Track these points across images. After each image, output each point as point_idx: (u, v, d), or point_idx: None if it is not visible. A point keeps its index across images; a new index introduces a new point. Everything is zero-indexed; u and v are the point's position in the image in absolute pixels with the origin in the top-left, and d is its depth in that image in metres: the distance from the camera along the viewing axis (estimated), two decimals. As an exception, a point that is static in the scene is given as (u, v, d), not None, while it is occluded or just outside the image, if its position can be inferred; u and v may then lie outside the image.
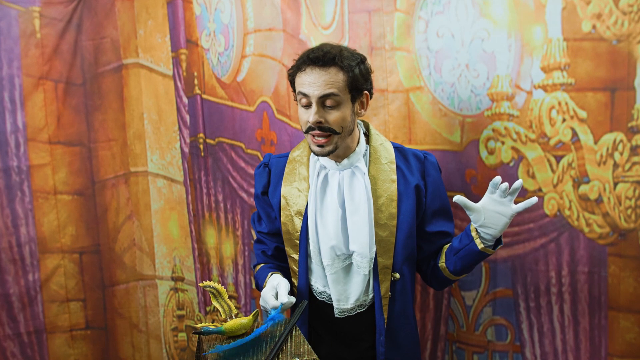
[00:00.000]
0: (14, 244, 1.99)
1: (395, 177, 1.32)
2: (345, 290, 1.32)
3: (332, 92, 1.25)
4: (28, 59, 1.93)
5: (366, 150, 1.35)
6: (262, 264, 1.45)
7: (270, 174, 1.40)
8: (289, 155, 1.40)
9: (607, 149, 1.26)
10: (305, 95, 1.26)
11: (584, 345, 1.35)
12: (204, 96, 1.95)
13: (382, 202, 1.30)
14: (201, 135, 1.98)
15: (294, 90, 1.32)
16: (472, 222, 1.26)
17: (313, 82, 1.25)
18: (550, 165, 1.34)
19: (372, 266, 1.30)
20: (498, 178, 1.21)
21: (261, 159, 1.82)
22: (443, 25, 1.44)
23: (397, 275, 1.31)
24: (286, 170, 1.37)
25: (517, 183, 1.20)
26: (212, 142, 1.96)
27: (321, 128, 1.26)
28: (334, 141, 1.27)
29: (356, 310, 1.33)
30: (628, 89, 1.22)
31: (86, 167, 2.05)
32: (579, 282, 1.34)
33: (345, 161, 1.32)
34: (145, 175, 2.09)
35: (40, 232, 2.01)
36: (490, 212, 1.22)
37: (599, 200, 1.28)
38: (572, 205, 1.32)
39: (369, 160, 1.33)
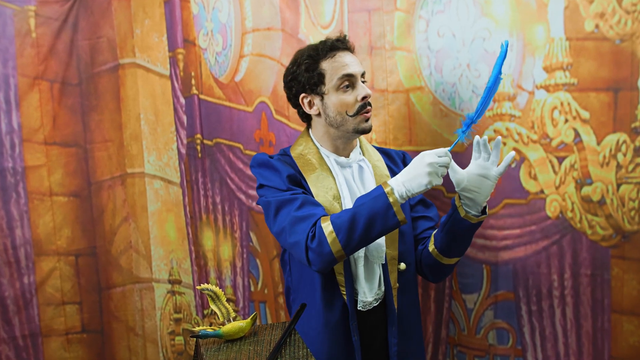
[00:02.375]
0: (9, 246, 1.97)
1: (388, 172, 1.38)
2: (365, 282, 1.33)
3: (364, 70, 1.35)
4: (23, 59, 1.92)
5: (359, 148, 1.40)
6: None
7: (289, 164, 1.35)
8: (291, 153, 1.38)
9: (610, 150, 1.24)
10: (350, 76, 1.31)
11: (586, 349, 1.34)
12: (202, 96, 1.93)
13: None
14: (198, 136, 1.96)
15: (314, 83, 1.31)
16: (455, 188, 1.26)
17: (352, 62, 1.32)
18: (553, 167, 1.32)
19: (384, 256, 1.32)
20: (477, 137, 1.23)
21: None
22: (444, 25, 1.42)
23: (404, 266, 1.34)
24: (299, 164, 1.35)
25: (497, 139, 1.22)
26: (209, 143, 1.94)
27: (369, 102, 1.32)
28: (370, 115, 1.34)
29: (373, 304, 1.34)
30: (631, 89, 1.20)
31: (82, 169, 2.04)
32: (582, 285, 1.33)
33: (352, 155, 1.37)
34: (142, 177, 2.08)
35: (36, 234, 1.99)
36: (473, 175, 1.23)
37: (601, 202, 1.27)
38: (575, 207, 1.30)
39: (365, 157, 1.39)
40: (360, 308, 1.33)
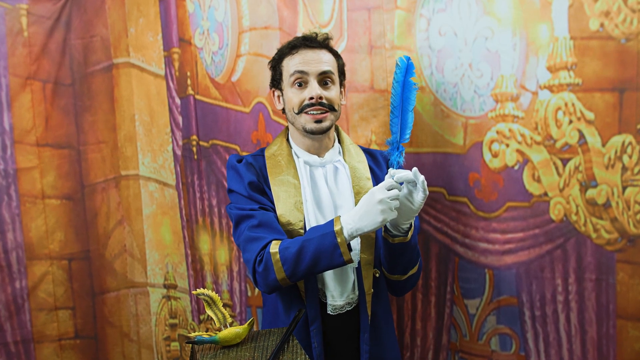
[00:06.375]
0: (0, 250, 1.94)
1: (369, 175, 1.36)
2: (337, 286, 1.31)
3: (329, 69, 1.31)
4: (15, 58, 1.90)
5: (339, 149, 1.39)
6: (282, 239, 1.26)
7: (255, 167, 1.36)
8: (265, 153, 1.38)
9: (616, 152, 1.22)
10: (302, 73, 1.30)
11: (591, 355, 1.32)
12: (197, 97, 1.91)
13: (361, 198, 1.29)
14: (194, 137, 1.93)
15: (277, 79, 1.35)
16: None
17: (311, 60, 1.30)
18: (557, 169, 1.30)
19: (357, 261, 1.31)
20: (391, 171, 1.23)
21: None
22: (445, 24, 1.40)
23: (378, 272, 1.33)
24: (268, 165, 1.35)
25: (414, 170, 1.20)
26: (205, 144, 1.92)
27: (321, 104, 1.29)
28: (330, 118, 1.32)
29: (345, 308, 1.32)
30: (637, 89, 1.18)
31: (75, 171, 2.01)
32: (586, 289, 1.30)
33: (327, 155, 1.35)
34: (137, 179, 2.05)
35: (28, 237, 1.96)
36: (402, 198, 1.24)
37: (607, 205, 1.24)
38: (579, 210, 1.28)
39: (344, 158, 1.37)
40: (330, 312, 1.31)
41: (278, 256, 1.22)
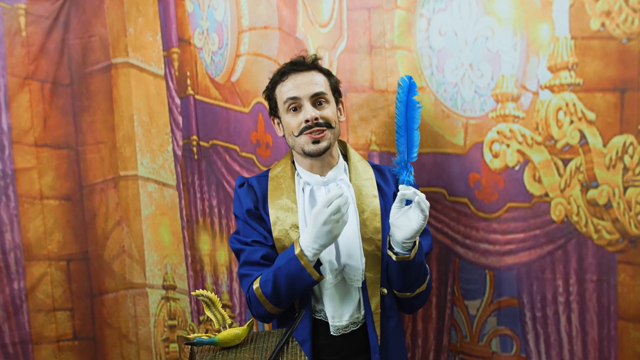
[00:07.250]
0: (-2, 251, 1.94)
1: (376, 192, 1.35)
2: (339, 306, 1.30)
3: (321, 90, 1.32)
4: (13, 58, 1.90)
5: (345, 166, 1.38)
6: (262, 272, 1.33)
7: (256, 191, 1.37)
8: (269, 174, 1.39)
9: (617, 152, 1.21)
10: (295, 98, 1.30)
11: (592, 356, 1.31)
12: (197, 97, 1.90)
13: (367, 217, 1.31)
14: (194, 137, 1.93)
15: (273, 107, 1.36)
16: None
17: (301, 84, 1.31)
18: (558, 169, 1.29)
19: (362, 280, 1.29)
20: (401, 193, 1.23)
21: (256, 162, 1.78)
22: (446, 23, 1.40)
23: (385, 290, 1.31)
24: (270, 187, 1.36)
25: (412, 193, 1.20)
26: (205, 144, 1.91)
27: (318, 124, 1.29)
28: (328, 137, 1.31)
29: (350, 327, 1.31)
30: (638, 89, 1.18)
31: (74, 171, 2.01)
32: (588, 290, 1.30)
33: (330, 174, 1.34)
34: (135, 180, 2.05)
35: (26, 238, 1.96)
36: (403, 214, 1.24)
37: (608, 206, 1.24)
38: (580, 210, 1.27)
39: (350, 177, 1.36)
40: (333, 333, 1.30)
41: (260, 291, 1.28)
